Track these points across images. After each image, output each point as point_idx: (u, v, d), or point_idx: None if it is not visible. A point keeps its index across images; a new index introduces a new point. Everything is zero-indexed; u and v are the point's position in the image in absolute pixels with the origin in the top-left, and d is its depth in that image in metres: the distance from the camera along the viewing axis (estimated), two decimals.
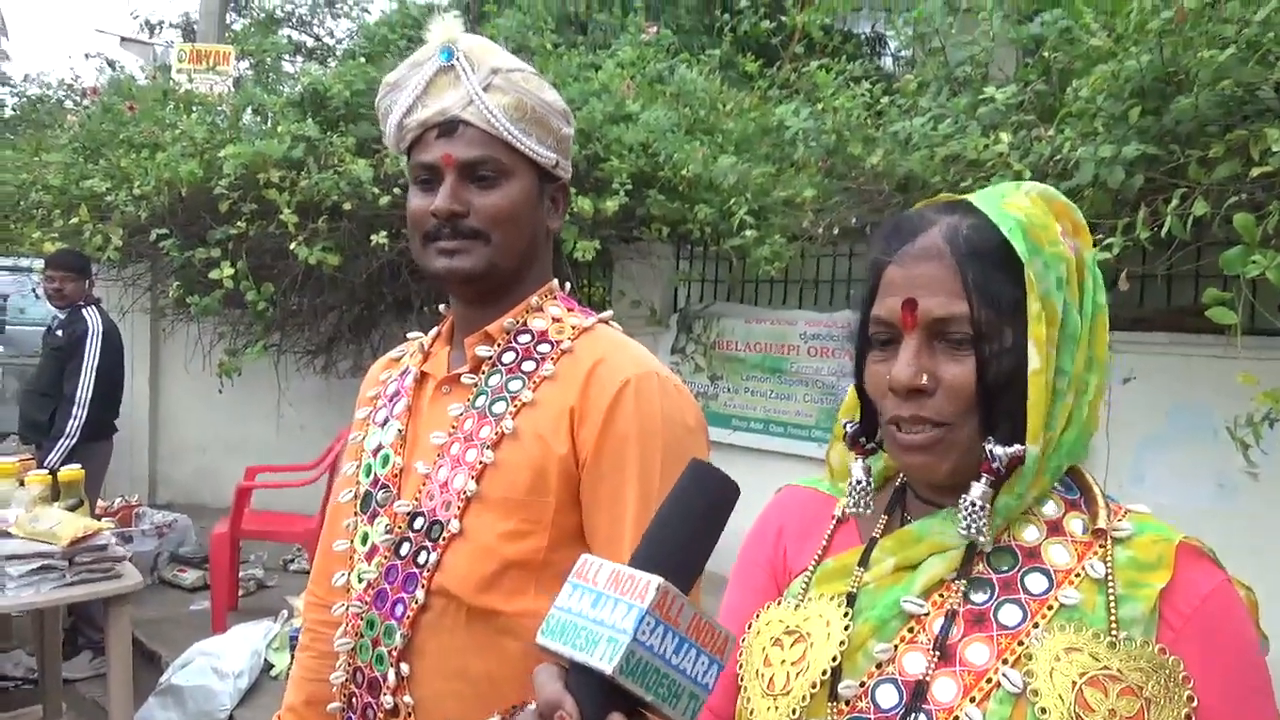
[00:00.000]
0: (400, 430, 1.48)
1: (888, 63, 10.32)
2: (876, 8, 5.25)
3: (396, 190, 5.72)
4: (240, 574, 5.83)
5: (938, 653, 0.91)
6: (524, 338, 1.45)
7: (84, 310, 5.39)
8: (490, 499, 1.35)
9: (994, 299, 0.91)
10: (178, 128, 6.39)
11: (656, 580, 0.74)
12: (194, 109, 6.88)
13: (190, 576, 6.11)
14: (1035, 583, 0.92)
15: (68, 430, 5.13)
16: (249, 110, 6.74)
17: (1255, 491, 4.13)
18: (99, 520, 3.88)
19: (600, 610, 0.75)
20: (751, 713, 0.98)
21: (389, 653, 1.36)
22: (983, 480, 0.91)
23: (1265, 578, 4.13)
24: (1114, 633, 0.87)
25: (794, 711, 0.94)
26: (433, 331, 1.59)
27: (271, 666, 4.74)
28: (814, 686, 0.94)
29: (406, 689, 1.35)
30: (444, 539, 1.35)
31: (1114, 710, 0.83)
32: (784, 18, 6.06)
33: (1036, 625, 0.89)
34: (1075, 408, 0.94)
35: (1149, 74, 3.44)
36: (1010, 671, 0.87)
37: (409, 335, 1.67)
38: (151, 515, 6.49)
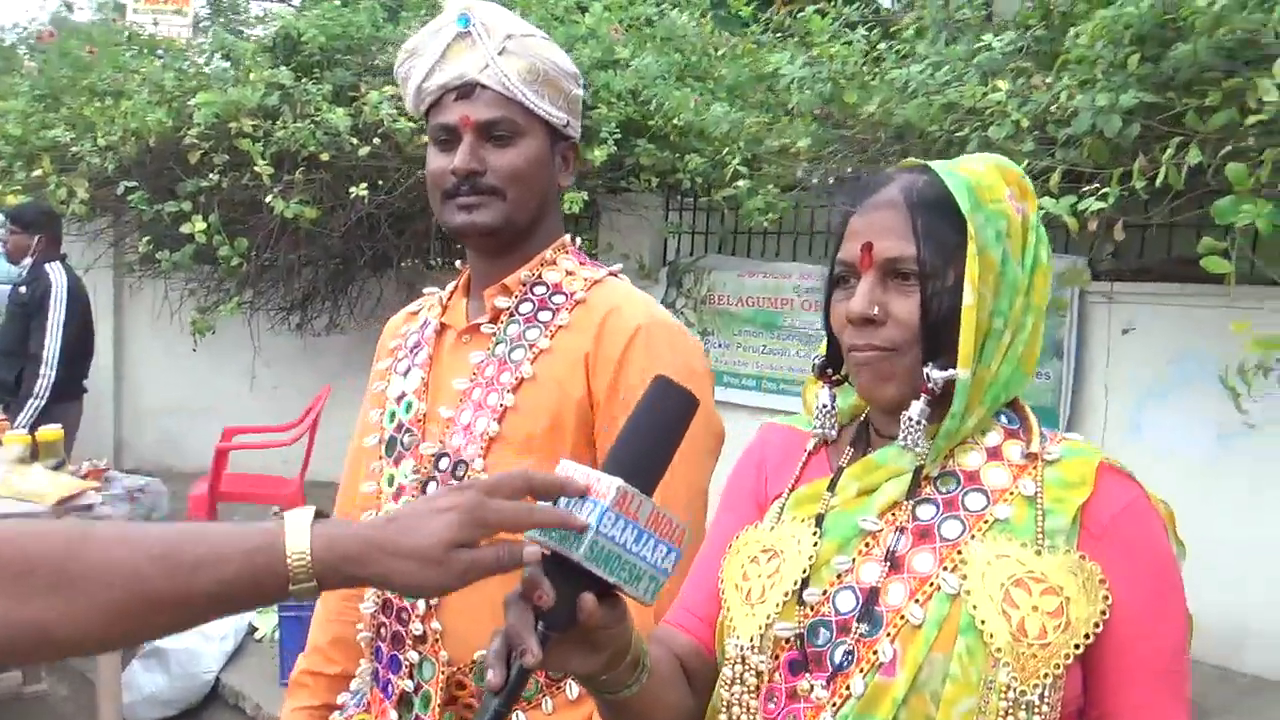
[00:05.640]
0: (423, 378, 1.68)
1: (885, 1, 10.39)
2: None
3: (376, 140, 5.86)
4: None
5: (889, 563, 1.12)
6: (539, 289, 1.65)
7: (47, 266, 5.51)
8: (511, 439, 1.55)
9: (939, 244, 1.12)
10: (141, 73, 6.50)
11: (617, 482, 0.94)
12: (158, 54, 6.98)
13: None
14: (974, 501, 1.13)
15: (36, 390, 5.27)
16: (218, 56, 6.85)
17: (1253, 441, 4.37)
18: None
19: (572, 508, 0.96)
20: (731, 620, 1.19)
21: None
22: (921, 399, 1.13)
23: (1263, 521, 4.40)
24: (1040, 541, 1.08)
25: (768, 617, 1.15)
26: (450, 285, 1.78)
27: (255, 629, 4.96)
28: (785, 596, 1.15)
29: (434, 616, 1.56)
30: (469, 477, 1.55)
31: (1036, 606, 1.04)
32: None
33: (974, 537, 1.10)
34: (1011, 346, 1.15)
35: (1149, 20, 3.62)
36: (949, 576, 1.08)
37: (425, 290, 1.87)
38: (122, 479, 6.65)
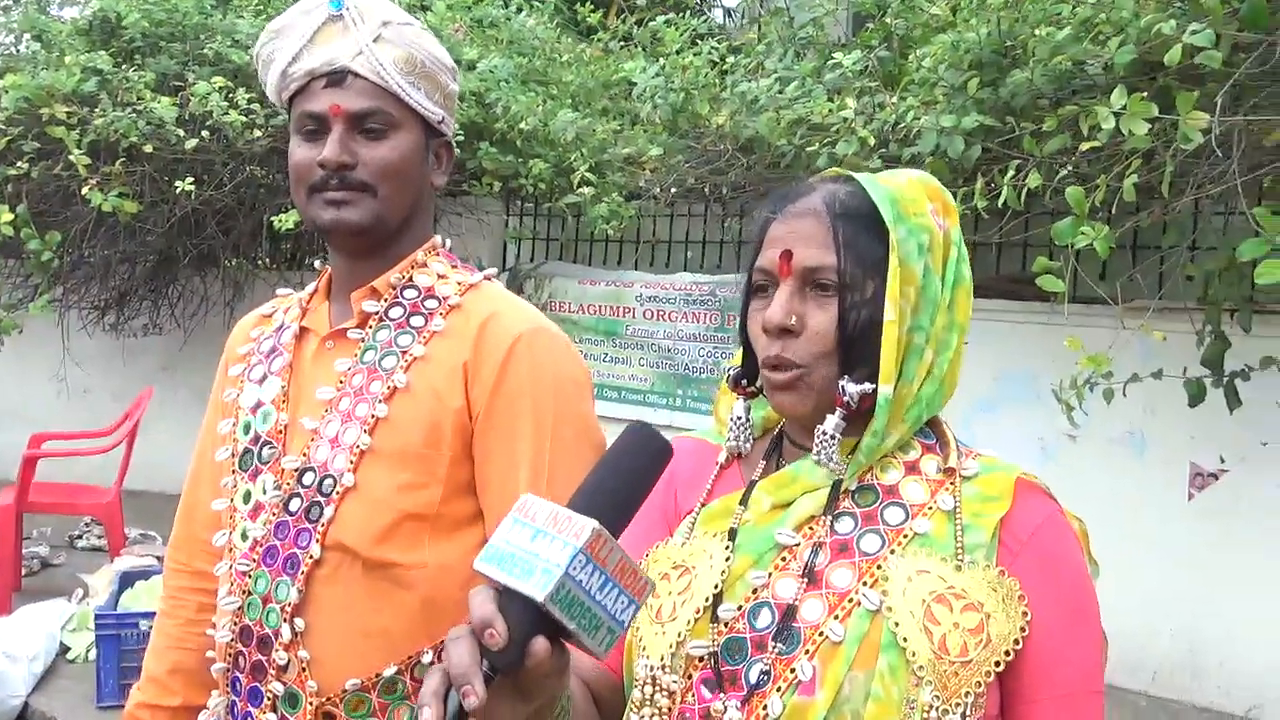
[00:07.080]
0: (282, 386, 1.55)
1: (718, 14, 10.53)
2: None
3: (204, 133, 5.58)
4: (22, 551, 5.62)
5: (806, 578, 1.08)
6: (410, 293, 1.55)
7: None
8: (384, 452, 1.44)
9: (860, 255, 1.09)
10: None
11: (592, 523, 0.87)
12: None
13: None
14: (893, 515, 1.10)
15: None
16: (28, 36, 6.42)
17: (1074, 452, 4.57)
18: None
19: (537, 544, 0.87)
20: (641, 640, 1.13)
21: (281, 609, 1.44)
22: (836, 414, 1.10)
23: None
24: (960, 557, 1.06)
25: (679, 635, 1.10)
26: (309, 287, 1.66)
27: (68, 649, 4.63)
28: (697, 612, 1.10)
29: (301, 644, 1.43)
30: (338, 493, 1.44)
31: (957, 623, 1.02)
32: None
33: (893, 551, 1.08)
34: (934, 364, 1.13)
35: (987, 46, 3.75)
36: (869, 591, 1.05)
37: (279, 291, 1.74)
38: None
